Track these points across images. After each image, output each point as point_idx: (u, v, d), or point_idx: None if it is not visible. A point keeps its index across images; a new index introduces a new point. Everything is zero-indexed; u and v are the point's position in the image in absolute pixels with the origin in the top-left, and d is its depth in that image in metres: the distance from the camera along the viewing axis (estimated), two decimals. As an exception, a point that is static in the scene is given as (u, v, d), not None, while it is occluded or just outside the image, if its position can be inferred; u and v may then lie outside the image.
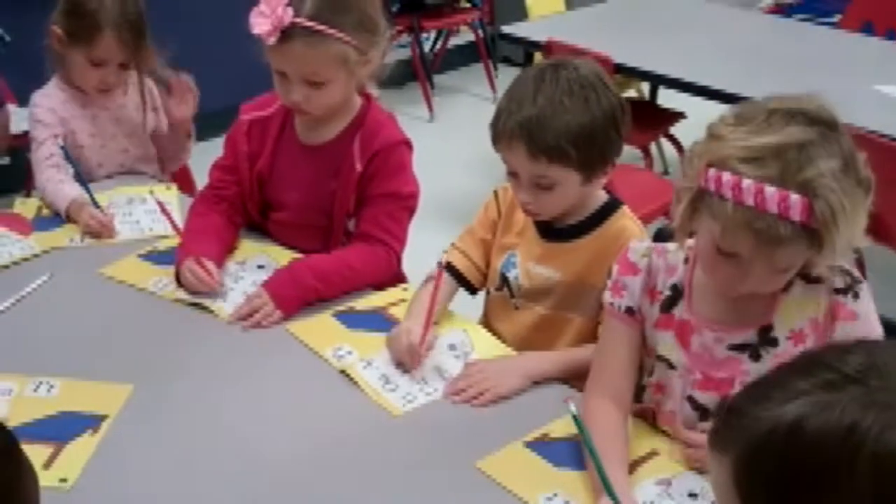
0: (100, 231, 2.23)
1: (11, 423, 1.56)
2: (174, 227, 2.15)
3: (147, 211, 2.34)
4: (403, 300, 1.95)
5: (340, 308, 1.95)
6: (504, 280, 1.91)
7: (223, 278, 2.02)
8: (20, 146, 3.14)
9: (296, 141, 2.14)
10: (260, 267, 2.11)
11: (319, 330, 1.88)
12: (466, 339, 1.84)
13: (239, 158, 2.17)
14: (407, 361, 1.75)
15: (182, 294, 1.99)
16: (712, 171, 1.34)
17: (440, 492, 1.49)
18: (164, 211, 2.19)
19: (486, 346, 1.83)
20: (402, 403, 1.67)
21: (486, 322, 1.98)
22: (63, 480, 1.48)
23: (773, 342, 1.49)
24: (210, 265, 1.98)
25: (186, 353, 1.83)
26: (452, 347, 1.82)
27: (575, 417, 1.44)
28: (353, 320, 1.91)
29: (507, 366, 1.76)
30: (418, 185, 2.10)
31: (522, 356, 1.81)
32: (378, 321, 1.90)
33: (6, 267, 2.10)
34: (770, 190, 1.29)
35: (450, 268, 1.93)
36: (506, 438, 1.57)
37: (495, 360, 1.79)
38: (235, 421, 1.64)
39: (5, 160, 3.30)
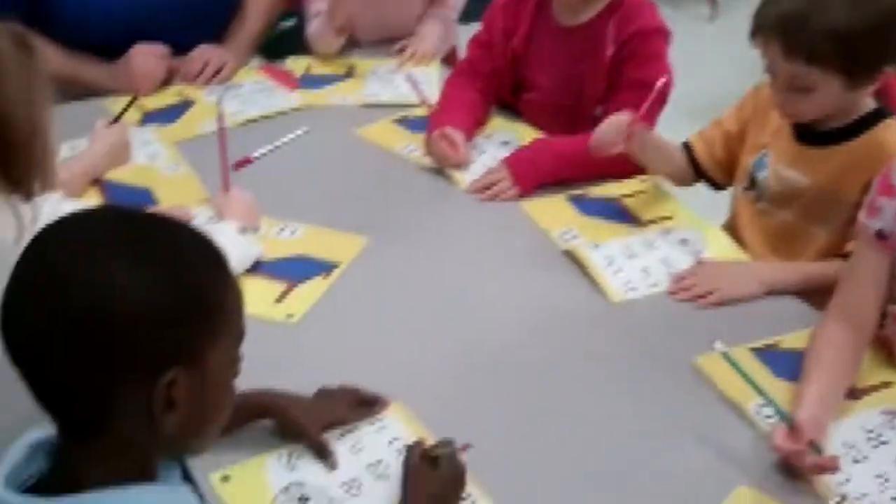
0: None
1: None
2: (423, 100, 2.19)
3: (402, 81, 2.39)
4: (642, 192, 1.91)
5: (576, 192, 1.93)
6: (752, 181, 1.82)
7: (469, 151, 2.04)
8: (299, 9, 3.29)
9: (552, 20, 2.11)
10: (504, 143, 2.12)
11: (552, 211, 1.88)
12: (700, 237, 1.78)
13: (495, 35, 2.17)
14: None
15: (427, 161, 2.03)
16: None
17: (650, 382, 1.47)
18: (413, 85, 2.23)
19: (720, 248, 1.77)
20: (624, 290, 1.65)
21: (731, 227, 1.91)
22: (290, 316, 1.58)
23: None
24: (458, 138, 2.01)
25: (422, 216, 1.89)
26: (684, 242, 1.77)
27: (725, 355, 1.39)
28: (587, 206, 1.89)
29: (742, 270, 1.71)
30: (672, 77, 2.01)
31: (760, 263, 1.74)
32: (612, 210, 1.88)
33: (270, 117, 2.22)
34: None
35: (687, 149, 1.88)
36: (728, 341, 1.51)
37: (730, 263, 1.73)
38: (457, 286, 1.69)
39: (290, 22, 3.46)
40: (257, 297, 1.58)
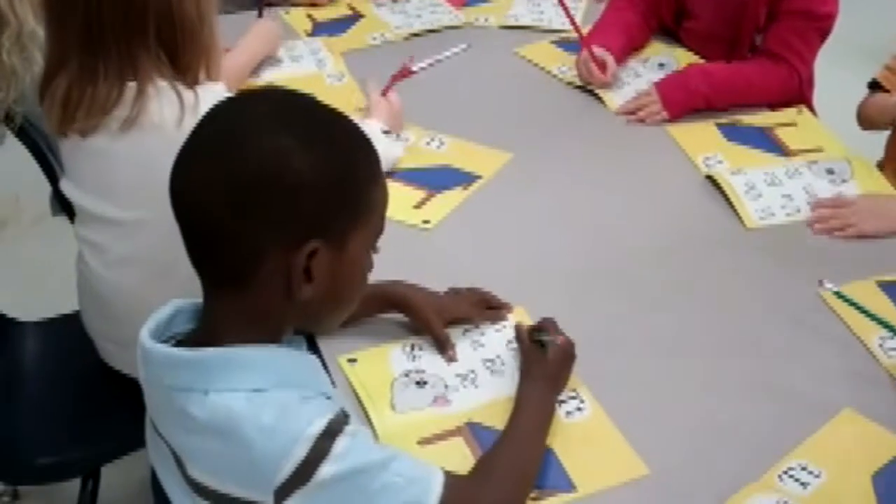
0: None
1: (401, 166, 1.77)
2: (573, 24, 2.19)
3: (555, 5, 2.38)
4: (794, 124, 1.88)
5: (724, 120, 1.92)
6: None
7: (619, 73, 2.06)
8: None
9: None
10: (661, 66, 2.12)
11: (698, 137, 1.88)
12: (847, 168, 1.75)
13: None
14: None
15: (578, 81, 2.06)
16: None
17: (774, 307, 1.48)
18: (564, 8, 2.23)
19: (868, 180, 1.74)
20: (760, 216, 1.65)
21: (882, 166, 1.87)
22: (426, 222, 1.66)
23: None
24: (608, 59, 2.02)
25: (568, 134, 1.93)
26: (830, 172, 1.75)
27: (838, 293, 1.39)
28: (735, 133, 1.89)
29: (887, 206, 1.67)
30: (838, 7, 1.96)
31: None
32: (761, 139, 1.86)
33: (436, 31, 2.30)
34: None
35: (875, 87, 1.87)
36: (856, 274, 1.50)
37: (874, 197, 1.70)
38: (593, 204, 1.73)
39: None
40: (398, 201, 1.63)
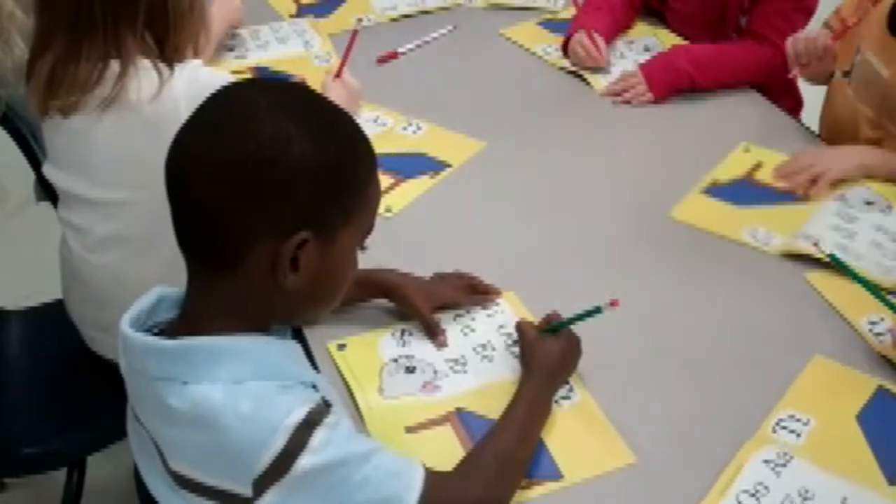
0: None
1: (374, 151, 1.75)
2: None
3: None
4: (761, 164, 1.75)
5: (704, 183, 1.72)
6: (853, 66, 1.79)
7: (608, 55, 2.05)
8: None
9: None
10: (646, 49, 2.11)
11: (708, 214, 1.64)
12: (879, 196, 1.66)
13: None
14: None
15: (566, 63, 2.05)
16: None
17: (766, 295, 1.48)
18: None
19: None
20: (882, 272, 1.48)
21: (825, 113, 1.89)
22: (388, 210, 1.63)
23: None
24: (599, 40, 2.01)
25: (552, 117, 1.92)
26: (869, 203, 1.65)
27: (832, 256, 1.39)
28: (732, 194, 1.68)
29: (841, 153, 1.71)
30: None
31: (863, 147, 1.72)
32: (764, 194, 1.69)
33: (426, 12, 2.29)
34: None
35: None
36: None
37: (823, 148, 1.75)
38: (577, 187, 1.71)
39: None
40: None
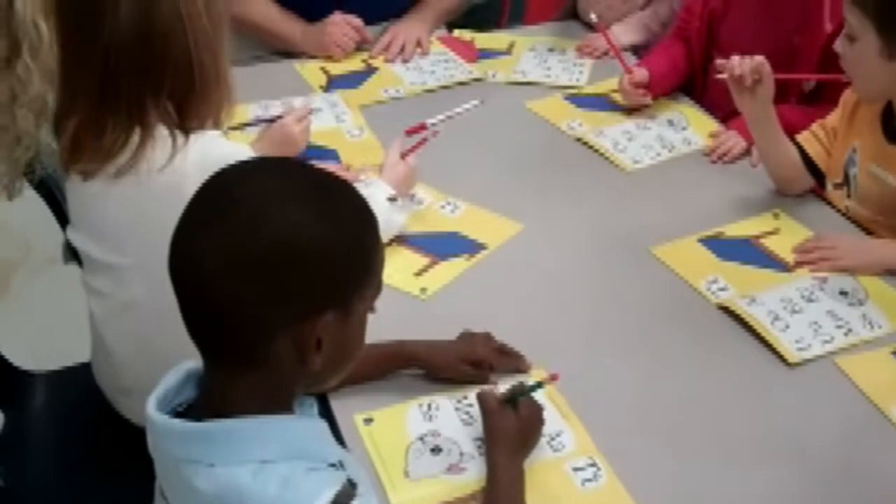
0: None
1: (411, 230, 1.77)
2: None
3: (563, 62, 2.42)
4: (776, 231, 1.79)
5: (707, 234, 1.80)
6: (846, 177, 1.80)
7: (629, 128, 2.11)
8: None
9: None
10: (669, 122, 2.15)
11: (687, 257, 1.74)
12: (859, 287, 1.64)
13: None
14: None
15: (592, 139, 2.08)
16: None
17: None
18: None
19: (882, 297, 1.63)
20: (798, 348, 1.52)
21: None
22: (423, 290, 1.64)
23: None
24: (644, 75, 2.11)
25: (576, 198, 1.93)
26: (843, 293, 1.64)
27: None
28: (723, 249, 1.75)
29: (862, 245, 1.72)
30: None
31: (881, 241, 1.72)
32: (753, 253, 1.74)
33: (447, 87, 2.32)
34: None
35: (800, 150, 1.85)
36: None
37: (850, 235, 1.75)
38: (603, 266, 1.73)
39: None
40: (399, 267, 1.66)
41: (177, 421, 0.98)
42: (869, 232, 1.78)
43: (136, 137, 1.39)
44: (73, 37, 1.41)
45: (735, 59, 1.74)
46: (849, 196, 1.81)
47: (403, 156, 1.82)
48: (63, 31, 1.43)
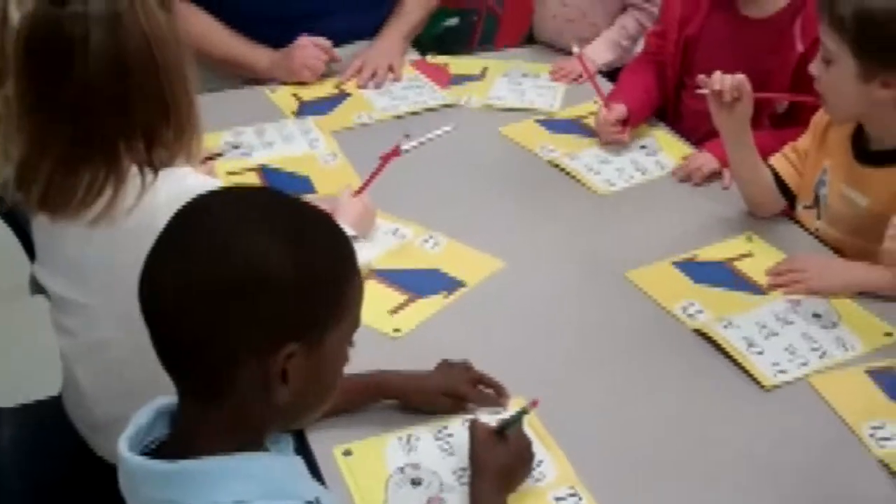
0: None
1: (389, 266, 1.73)
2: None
3: (537, 86, 2.43)
4: (750, 254, 1.80)
5: (682, 257, 1.79)
6: (816, 198, 1.82)
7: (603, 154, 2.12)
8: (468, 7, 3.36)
9: (734, 10, 2.10)
10: (642, 147, 2.16)
11: (662, 281, 1.74)
12: (832, 311, 1.64)
13: (669, 22, 2.20)
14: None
15: (566, 163, 2.08)
16: None
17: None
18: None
19: (853, 318, 1.64)
20: (773, 373, 1.51)
21: None
22: (396, 331, 1.59)
23: None
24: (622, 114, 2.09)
25: (553, 224, 1.92)
26: (817, 316, 1.64)
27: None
28: (698, 272, 1.75)
29: (833, 267, 1.73)
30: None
31: (851, 263, 1.73)
32: (727, 277, 1.74)
33: (418, 113, 2.31)
34: None
35: (773, 171, 1.86)
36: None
37: (821, 257, 1.76)
38: (577, 297, 1.72)
39: (454, 21, 3.55)
40: (374, 304, 1.60)
41: (150, 462, 0.96)
42: (840, 252, 1.79)
43: (109, 185, 1.35)
44: (42, 79, 1.35)
45: (717, 74, 1.76)
46: (818, 217, 1.83)
47: (356, 193, 1.79)
48: (30, 73, 1.36)
